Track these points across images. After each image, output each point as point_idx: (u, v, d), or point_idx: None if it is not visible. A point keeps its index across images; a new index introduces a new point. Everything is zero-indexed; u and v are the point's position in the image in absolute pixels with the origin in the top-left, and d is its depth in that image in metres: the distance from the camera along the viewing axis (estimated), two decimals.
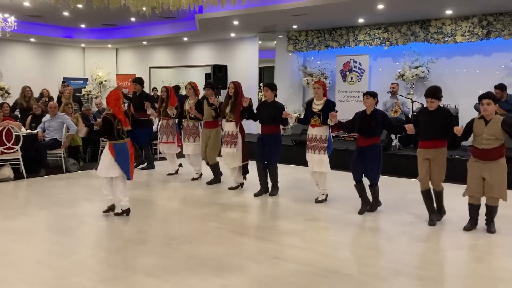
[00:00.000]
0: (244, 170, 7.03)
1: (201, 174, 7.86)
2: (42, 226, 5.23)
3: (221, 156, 7.13)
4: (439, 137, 5.16)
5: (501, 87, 8.19)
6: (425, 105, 5.37)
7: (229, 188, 7.02)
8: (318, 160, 6.10)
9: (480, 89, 9.64)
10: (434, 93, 5.17)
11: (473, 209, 4.99)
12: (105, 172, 5.42)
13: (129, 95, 8.90)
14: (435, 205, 5.35)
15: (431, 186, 5.30)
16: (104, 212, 5.56)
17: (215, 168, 7.42)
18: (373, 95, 5.62)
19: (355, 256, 4.32)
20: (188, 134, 7.57)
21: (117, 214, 5.55)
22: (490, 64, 9.99)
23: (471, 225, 5.02)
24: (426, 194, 5.30)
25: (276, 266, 4.00)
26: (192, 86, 7.62)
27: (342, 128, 6.07)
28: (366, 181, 5.76)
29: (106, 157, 5.40)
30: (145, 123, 8.48)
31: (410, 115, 9.25)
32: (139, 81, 8.59)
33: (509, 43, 9.54)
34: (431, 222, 5.24)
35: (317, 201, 6.24)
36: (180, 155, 8.28)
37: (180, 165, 8.33)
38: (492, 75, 9.79)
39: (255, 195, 6.62)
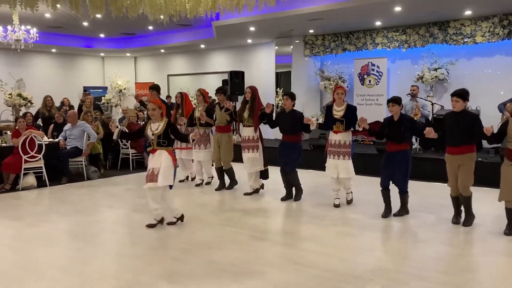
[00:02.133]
0: (264, 175, 7.02)
1: (212, 177, 7.88)
2: (64, 233, 5.30)
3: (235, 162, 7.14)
4: (467, 142, 5.06)
5: None
6: (446, 107, 5.30)
7: (245, 194, 7.01)
8: (343, 165, 6.07)
9: (501, 90, 9.53)
10: (461, 92, 5.09)
11: (511, 213, 4.85)
12: (165, 181, 5.07)
13: (147, 103, 8.97)
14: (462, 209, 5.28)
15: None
16: (151, 226, 5.27)
17: (230, 172, 7.43)
18: (398, 101, 5.55)
19: (377, 261, 4.26)
20: (198, 141, 7.55)
21: (171, 223, 5.37)
22: (511, 64, 9.80)
23: (510, 229, 4.87)
24: (455, 199, 5.24)
25: (296, 271, 3.97)
26: (201, 93, 7.62)
27: (372, 133, 5.96)
28: (393, 187, 5.70)
29: (166, 165, 5.07)
30: None
31: (430, 118, 9.13)
32: (155, 88, 8.64)
33: None
34: (455, 220, 5.25)
35: (348, 202, 6.32)
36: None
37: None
38: None
39: (282, 199, 6.65)
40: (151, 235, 5.09)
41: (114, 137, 5.56)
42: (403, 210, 5.74)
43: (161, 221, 5.35)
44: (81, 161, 8.54)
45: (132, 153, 9.72)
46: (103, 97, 16.27)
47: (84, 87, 15.74)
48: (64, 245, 4.85)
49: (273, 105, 6.73)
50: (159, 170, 5.05)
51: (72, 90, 15.18)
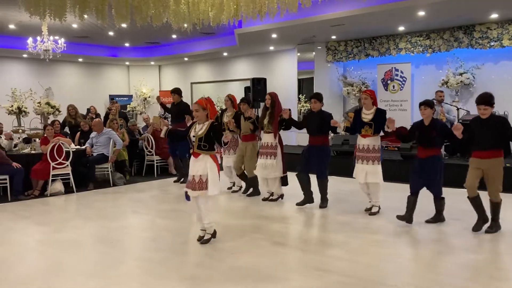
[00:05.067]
0: (284, 182, 7.01)
1: (240, 187, 7.89)
2: (90, 238, 5.40)
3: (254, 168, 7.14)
4: (495, 147, 4.94)
5: None
6: (471, 113, 5.18)
7: (264, 200, 7.00)
8: (371, 170, 5.99)
9: None
10: (487, 99, 4.97)
11: None
12: (216, 190, 4.78)
13: (168, 106, 9.08)
14: (487, 213, 5.13)
15: (482, 193, 5.10)
16: (206, 242, 4.91)
17: (253, 180, 7.45)
18: (430, 105, 5.44)
19: (401, 268, 4.21)
20: (228, 147, 7.62)
21: (205, 242, 4.90)
22: None
23: None
24: (474, 200, 5.10)
25: (319, 277, 3.95)
26: (230, 98, 7.68)
27: (399, 136, 5.84)
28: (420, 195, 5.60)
29: (214, 172, 4.78)
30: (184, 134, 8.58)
31: (456, 123, 8.96)
32: (177, 91, 8.72)
33: None
34: (477, 227, 5.05)
35: (371, 214, 6.12)
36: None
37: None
38: None
39: (297, 204, 6.58)
40: (175, 241, 5.14)
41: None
42: (438, 217, 5.58)
43: (214, 234, 5.01)
44: (107, 168, 8.69)
45: (156, 160, 9.84)
46: (128, 105, 16.55)
47: (110, 95, 16.04)
48: (90, 250, 4.94)
49: (290, 110, 6.71)
50: (208, 178, 4.72)
51: (98, 99, 15.52)
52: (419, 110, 5.51)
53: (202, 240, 4.92)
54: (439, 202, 5.56)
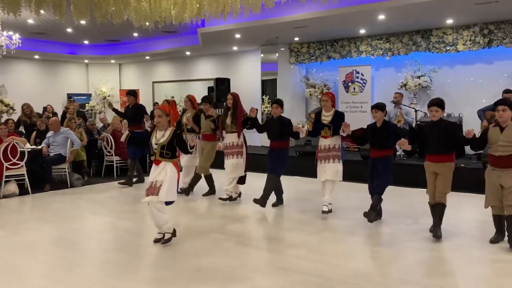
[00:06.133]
0: (242, 181, 7.00)
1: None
2: (47, 240, 5.22)
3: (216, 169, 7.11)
4: (445, 151, 5.10)
5: (509, 91, 8.14)
6: (429, 115, 5.33)
7: (220, 199, 6.90)
8: (332, 168, 6.08)
9: (483, 98, 9.69)
10: (438, 101, 5.14)
11: (497, 220, 4.85)
12: (168, 197, 4.69)
13: (121, 110, 8.92)
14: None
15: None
16: (166, 242, 4.83)
17: (209, 179, 7.42)
18: (381, 108, 5.60)
19: (362, 266, 4.28)
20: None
21: (166, 242, 4.83)
22: (492, 72, 9.99)
23: (497, 236, 4.87)
24: (433, 207, 5.24)
25: (282, 277, 3.97)
26: (190, 99, 7.61)
27: (354, 139, 6.01)
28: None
29: (171, 179, 4.68)
30: (140, 136, 8.41)
31: (414, 125, 9.24)
32: (132, 93, 8.60)
33: (511, 51, 9.55)
34: (436, 234, 5.07)
35: (323, 212, 6.18)
36: None
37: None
38: (495, 83, 9.80)
39: (273, 205, 6.63)
40: (136, 242, 5.04)
41: (122, 139, 5.24)
42: (372, 213, 5.52)
43: (174, 233, 4.92)
44: (65, 168, 8.43)
45: (116, 160, 9.63)
46: (87, 104, 16.14)
47: (68, 94, 15.59)
48: (46, 253, 4.77)
49: (257, 109, 6.72)
50: (163, 183, 4.64)
51: (55, 97, 15.02)
52: (371, 113, 5.66)
53: (163, 241, 4.83)
54: (377, 198, 5.59)
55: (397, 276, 3.98)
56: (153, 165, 4.81)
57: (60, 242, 5.10)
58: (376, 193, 5.63)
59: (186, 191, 7.36)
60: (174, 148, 4.76)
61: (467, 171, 7.78)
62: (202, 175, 7.42)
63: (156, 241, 4.85)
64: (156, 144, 4.75)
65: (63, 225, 5.79)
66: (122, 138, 5.24)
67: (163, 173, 4.68)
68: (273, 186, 6.52)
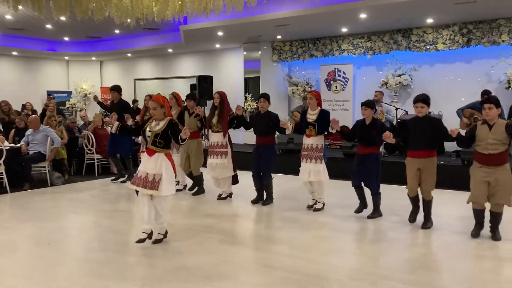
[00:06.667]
0: (235, 180, 7.01)
1: (185, 186, 7.79)
2: (27, 240, 5.13)
3: (205, 167, 7.09)
4: (429, 147, 5.20)
5: (487, 93, 8.34)
6: (409, 112, 5.43)
7: (218, 199, 6.98)
8: (314, 169, 6.12)
9: (462, 96, 9.87)
10: (424, 97, 5.24)
11: (479, 214, 4.96)
12: (170, 191, 4.63)
13: (106, 105, 8.84)
14: (421, 209, 5.43)
15: (419, 192, 5.37)
16: (139, 242, 4.66)
17: (199, 179, 7.39)
18: (371, 105, 5.68)
19: (346, 262, 4.32)
20: (171, 145, 7.47)
21: (157, 242, 4.76)
22: (471, 71, 10.19)
23: (477, 229, 4.99)
24: (414, 199, 5.40)
25: (266, 274, 3.98)
26: (175, 96, 7.52)
27: (343, 135, 6.10)
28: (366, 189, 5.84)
29: (169, 172, 4.62)
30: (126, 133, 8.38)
31: (394, 123, 9.36)
32: (116, 89, 8.47)
33: (489, 51, 9.75)
34: (412, 219, 5.43)
35: (315, 210, 6.27)
36: None
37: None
38: (474, 82, 10.00)
39: (252, 202, 6.67)
40: (118, 241, 4.99)
41: (113, 131, 5.14)
42: (376, 212, 5.83)
43: (150, 235, 4.76)
44: (45, 167, 8.30)
45: (97, 159, 9.52)
46: (67, 102, 15.91)
47: (47, 91, 15.34)
48: (26, 252, 4.70)
49: (242, 107, 6.72)
50: (162, 177, 4.53)
51: (35, 94, 14.78)
52: (361, 110, 5.72)
53: (154, 240, 4.75)
54: (376, 197, 5.81)
55: (381, 272, 4.03)
56: (144, 154, 4.70)
57: (40, 242, 5.01)
58: (377, 193, 5.77)
59: (196, 193, 7.39)
60: (168, 138, 4.68)
61: (447, 168, 7.91)
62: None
63: (140, 241, 4.69)
64: (150, 131, 4.66)
65: (43, 224, 5.70)
66: (113, 130, 5.12)
67: (157, 165, 4.57)
68: (271, 183, 6.62)
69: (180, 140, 4.64)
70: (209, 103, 11.31)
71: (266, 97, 6.53)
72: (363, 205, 5.88)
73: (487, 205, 4.91)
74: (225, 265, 4.20)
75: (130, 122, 7.71)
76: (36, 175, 8.50)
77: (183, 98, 7.82)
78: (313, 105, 6.19)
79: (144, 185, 4.54)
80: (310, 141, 6.18)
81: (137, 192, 4.72)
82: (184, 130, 4.60)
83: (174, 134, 4.67)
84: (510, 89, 9.44)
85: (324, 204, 6.36)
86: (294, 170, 6.44)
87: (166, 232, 4.90)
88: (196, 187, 7.45)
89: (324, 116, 6.13)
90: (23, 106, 11.35)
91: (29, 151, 8.14)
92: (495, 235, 4.87)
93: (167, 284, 3.78)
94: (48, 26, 11.87)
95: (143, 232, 4.70)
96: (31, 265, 4.30)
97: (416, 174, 5.26)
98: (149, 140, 4.64)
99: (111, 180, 8.70)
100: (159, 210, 4.67)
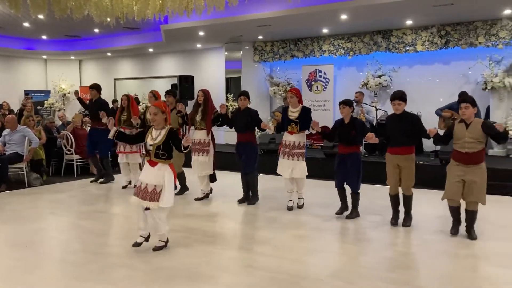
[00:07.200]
0: (212, 178, 7.01)
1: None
2: (3, 242, 5.02)
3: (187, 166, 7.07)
4: (408, 143, 5.29)
5: (464, 94, 8.49)
6: (389, 113, 5.51)
7: (196, 199, 6.96)
8: (297, 166, 6.16)
9: (440, 97, 10.04)
10: (400, 94, 5.31)
11: (454, 211, 5.06)
12: (169, 203, 4.48)
13: (86, 102, 8.74)
14: (400, 208, 5.50)
15: (400, 191, 5.44)
16: (136, 246, 4.60)
17: (181, 177, 7.35)
18: (349, 103, 5.72)
19: (327, 262, 4.35)
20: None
21: (157, 249, 4.61)
22: (449, 72, 10.37)
23: (455, 226, 5.08)
24: (394, 198, 5.46)
25: (248, 274, 3.98)
26: (154, 94, 7.47)
27: (324, 136, 6.12)
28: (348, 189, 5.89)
29: (170, 184, 4.48)
30: (105, 132, 8.26)
31: (374, 123, 9.46)
32: (96, 87, 8.29)
33: (467, 52, 9.93)
34: (394, 222, 5.47)
35: (299, 206, 6.38)
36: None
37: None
38: (451, 83, 10.18)
39: (239, 201, 6.69)
40: (97, 242, 4.93)
41: (110, 136, 4.85)
42: (354, 213, 5.87)
43: (147, 238, 4.69)
44: (22, 168, 8.14)
45: (76, 159, 9.38)
46: (45, 101, 15.64)
47: (25, 90, 15.05)
48: (4, 255, 4.60)
49: (226, 105, 6.72)
50: (162, 189, 4.40)
51: (12, 94, 14.49)
52: (339, 109, 5.80)
53: (155, 247, 4.59)
54: (355, 197, 5.86)
55: (362, 271, 4.06)
56: (147, 165, 4.54)
57: (17, 243, 4.91)
58: (356, 193, 5.81)
59: (180, 193, 7.30)
60: (170, 148, 4.50)
61: (426, 168, 8.04)
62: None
63: (136, 245, 4.57)
64: (151, 145, 4.48)
65: (21, 226, 5.59)
66: (110, 135, 4.87)
67: (160, 176, 4.43)
68: (256, 182, 6.66)
69: (182, 149, 4.49)
70: (190, 103, 11.26)
71: (246, 94, 6.56)
72: (344, 206, 5.92)
73: (462, 203, 5.02)
74: (206, 266, 4.18)
75: (105, 119, 7.56)
76: (13, 176, 8.33)
77: (163, 98, 7.76)
78: (294, 103, 6.22)
79: (143, 197, 4.43)
80: (292, 138, 6.21)
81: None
82: (186, 137, 4.45)
83: (175, 143, 4.52)
84: (486, 90, 9.63)
85: (303, 199, 6.49)
86: (274, 170, 6.46)
87: (167, 240, 4.72)
88: (179, 186, 7.40)
89: (306, 113, 6.18)
90: (0, 106, 11.12)
91: (6, 151, 7.98)
92: (471, 235, 4.96)
93: (146, 285, 3.74)
94: (26, 24, 11.66)
95: (140, 236, 4.62)
96: (8, 267, 4.22)
97: (395, 170, 5.34)
98: (151, 153, 4.47)
99: (91, 181, 8.58)
100: (158, 221, 4.53)
